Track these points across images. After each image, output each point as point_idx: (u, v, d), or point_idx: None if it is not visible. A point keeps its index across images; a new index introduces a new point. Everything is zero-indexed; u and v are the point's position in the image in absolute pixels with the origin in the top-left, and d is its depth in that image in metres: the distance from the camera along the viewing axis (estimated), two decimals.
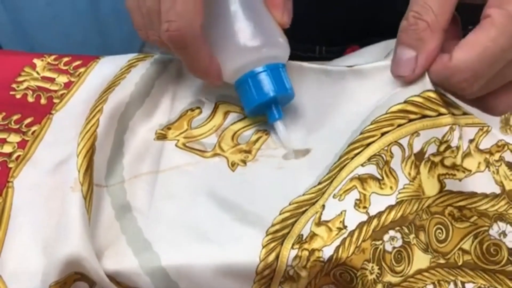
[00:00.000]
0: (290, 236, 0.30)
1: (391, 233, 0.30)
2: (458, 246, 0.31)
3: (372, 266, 0.29)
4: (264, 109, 0.35)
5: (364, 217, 0.30)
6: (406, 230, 0.30)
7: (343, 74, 0.35)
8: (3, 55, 0.44)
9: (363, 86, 0.34)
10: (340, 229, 0.29)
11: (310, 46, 0.53)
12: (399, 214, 0.30)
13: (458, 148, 0.30)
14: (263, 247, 0.30)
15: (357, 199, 0.30)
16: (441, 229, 0.31)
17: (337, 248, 0.29)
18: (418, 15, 0.30)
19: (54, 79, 0.40)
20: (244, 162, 0.35)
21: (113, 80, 0.37)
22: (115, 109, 0.35)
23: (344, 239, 0.29)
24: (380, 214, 0.30)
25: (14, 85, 0.40)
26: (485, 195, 0.31)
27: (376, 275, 0.29)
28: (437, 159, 0.31)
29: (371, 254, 0.29)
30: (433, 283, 0.30)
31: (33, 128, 0.37)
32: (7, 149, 0.36)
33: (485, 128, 0.31)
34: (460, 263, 0.31)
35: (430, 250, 0.31)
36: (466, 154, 0.31)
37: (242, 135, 0.36)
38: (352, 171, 0.31)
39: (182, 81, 0.39)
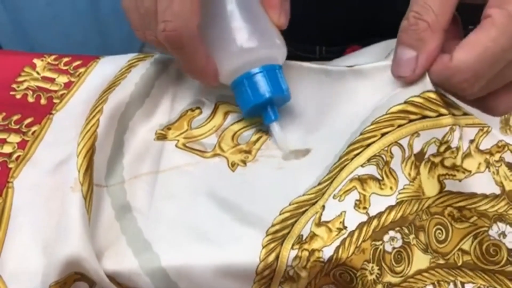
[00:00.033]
0: (290, 236, 0.30)
1: (391, 233, 0.30)
2: (458, 247, 0.31)
3: (372, 267, 0.29)
4: (260, 110, 0.35)
5: (364, 218, 0.30)
6: (406, 231, 0.30)
7: (343, 74, 0.35)
8: (3, 55, 0.44)
9: (363, 86, 0.34)
10: (340, 229, 0.29)
11: (310, 46, 0.53)
12: (399, 215, 0.30)
13: (458, 148, 0.30)
14: (263, 247, 0.30)
15: (357, 200, 0.30)
16: (441, 230, 0.31)
17: (337, 248, 0.29)
18: (419, 15, 0.30)
19: (54, 79, 0.40)
20: (244, 162, 0.35)
21: (113, 80, 0.37)
22: (115, 109, 0.35)
23: (344, 239, 0.29)
24: (380, 214, 0.30)
25: (14, 85, 0.40)
26: (485, 196, 0.31)
27: (376, 276, 0.29)
28: (437, 159, 0.31)
29: (371, 254, 0.29)
30: (433, 283, 0.30)
31: (33, 128, 0.37)
32: (7, 149, 0.36)
33: (485, 129, 0.31)
34: (459, 264, 0.31)
35: (430, 251, 0.31)
36: (466, 155, 0.31)
37: (242, 135, 0.36)
38: (352, 171, 0.31)
39: (182, 81, 0.39)
